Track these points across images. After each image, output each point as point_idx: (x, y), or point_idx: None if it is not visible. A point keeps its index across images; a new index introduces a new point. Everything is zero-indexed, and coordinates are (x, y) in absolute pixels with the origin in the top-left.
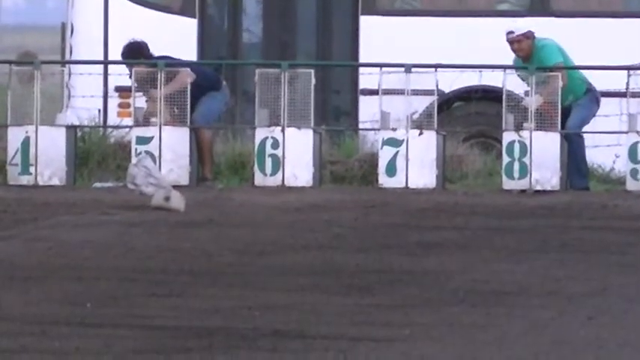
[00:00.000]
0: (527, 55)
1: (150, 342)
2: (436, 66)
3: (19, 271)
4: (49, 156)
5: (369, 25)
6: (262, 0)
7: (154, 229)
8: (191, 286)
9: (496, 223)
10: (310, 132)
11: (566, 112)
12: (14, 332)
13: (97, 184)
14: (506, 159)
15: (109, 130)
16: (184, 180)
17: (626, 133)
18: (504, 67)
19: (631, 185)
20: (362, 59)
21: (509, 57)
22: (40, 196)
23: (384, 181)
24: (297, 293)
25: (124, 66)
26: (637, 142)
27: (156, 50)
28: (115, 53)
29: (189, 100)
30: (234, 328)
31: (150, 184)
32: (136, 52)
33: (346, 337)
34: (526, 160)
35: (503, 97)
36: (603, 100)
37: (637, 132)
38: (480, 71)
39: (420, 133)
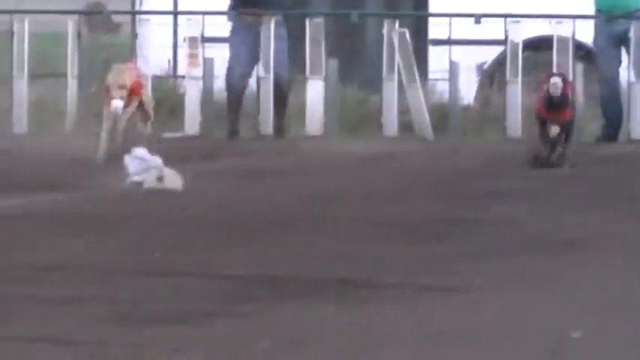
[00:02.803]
0: None
1: (217, 291)
2: (506, 15)
3: (86, 222)
4: None
5: None
6: None
7: (223, 179)
8: (259, 235)
9: (566, 172)
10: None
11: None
12: (82, 281)
13: (167, 134)
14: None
15: (179, 79)
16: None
17: None
18: (574, 17)
19: None
20: (431, 10)
21: (579, 7)
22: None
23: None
24: (365, 242)
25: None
26: None
27: (224, 2)
28: (185, 3)
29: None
30: (303, 277)
31: (142, 170)
32: None
33: (415, 286)
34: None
35: (571, 47)
36: None
37: None
38: (550, 21)
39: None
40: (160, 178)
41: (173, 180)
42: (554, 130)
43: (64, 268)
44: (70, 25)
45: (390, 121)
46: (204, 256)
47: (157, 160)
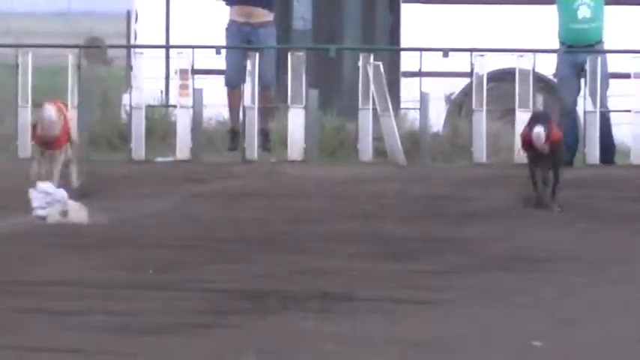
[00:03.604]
0: None
1: (207, 304)
2: (472, 50)
3: (85, 240)
4: None
5: (410, 12)
6: None
7: (212, 200)
8: (246, 253)
9: (556, 214)
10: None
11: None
12: (81, 295)
13: (160, 159)
14: None
15: (170, 108)
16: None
17: None
18: (534, 51)
19: None
20: (403, 44)
21: (539, 42)
22: (105, 170)
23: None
24: (345, 259)
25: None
26: None
27: (212, 35)
28: (176, 38)
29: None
30: (286, 291)
31: (46, 204)
32: None
33: (391, 300)
34: None
35: (531, 78)
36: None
37: None
38: (512, 55)
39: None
40: (64, 213)
41: (78, 214)
42: (546, 149)
43: (66, 283)
44: (71, 58)
45: (366, 147)
46: (194, 273)
47: (62, 194)
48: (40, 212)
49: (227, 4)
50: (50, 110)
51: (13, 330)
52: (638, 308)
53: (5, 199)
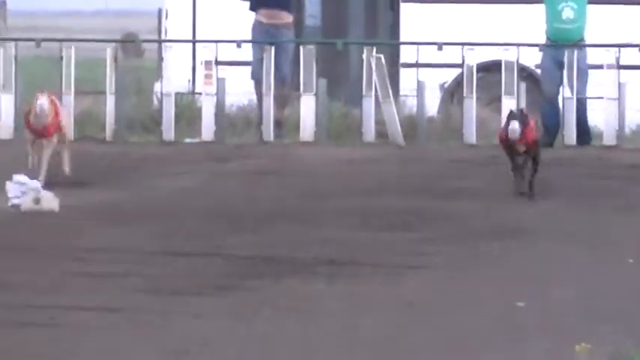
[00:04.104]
0: None
1: (228, 269)
2: (463, 43)
3: (123, 213)
4: None
5: (408, 10)
6: None
7: (233, 177)
8: (262, 224)
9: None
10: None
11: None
12: (120, 260)
13: (187, 140)
14: None
15: (197, 95)
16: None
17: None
18: (518, 45)
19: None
20: (402, 39)
21: (523, 36)
22: (139, 150)
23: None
24: (349, 230)
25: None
26: None
27: (233, 31)
28: (201, 33)
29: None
30: (298, 258)
31: (21, 193)
32: None
33: (389, 265)
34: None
35: (516, 69)
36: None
37: None
38: (499, 48)
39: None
40: (37, 200)
41: (50, 202)
42: (521, 148)
43: (105, 250)
44: (109, 51)
45: (369, 130)
46: (217, 241)
47: (36, 184)
48: (15, 201)
49: (251, 10)
50: (42, 101)
51: (59, 291)
52: (607, 269)
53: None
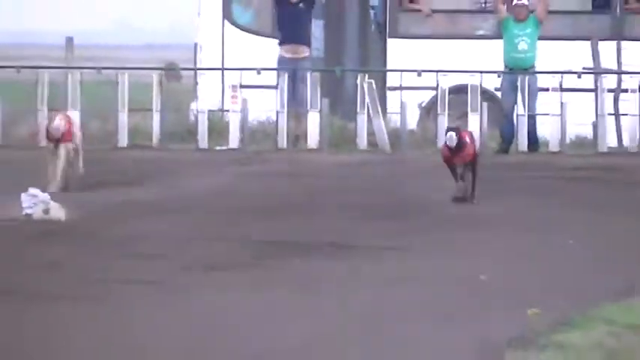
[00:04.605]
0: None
1: (250, 250)
2: (437, 70)
3: (165, 206)
4: None
5: (394, 45)
6: (324, 29)
7: (253, 178)
8: (276, 215)
9: (481, 174)
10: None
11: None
12: (159, 245)
13: (217, 148)
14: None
15: (225, 112)
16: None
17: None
18: (481, 72)
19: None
20: (389, 67)
21: (484, 65)
22: (178, 156)
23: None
24: (345, 219)
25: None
26: None
27: (254, 60)
28: (229, 62)
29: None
30: (305, 242)
31: (33, 204)
32: None
33: (377, 248)
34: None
35: (479, 91)
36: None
37: None
38: (466, 74)
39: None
40: (46, 211)
41: (57, 212)
42: (460, 168)
43: (148, 237)
44: (154, 77)
45: (362, 140)
46: (240, 228)
47: (46, 196)
48: (29, 211)
49: (279, 45)
50: (57, 121)
51: (107, 269)
52: (554, 250)
53: (105, 176)
